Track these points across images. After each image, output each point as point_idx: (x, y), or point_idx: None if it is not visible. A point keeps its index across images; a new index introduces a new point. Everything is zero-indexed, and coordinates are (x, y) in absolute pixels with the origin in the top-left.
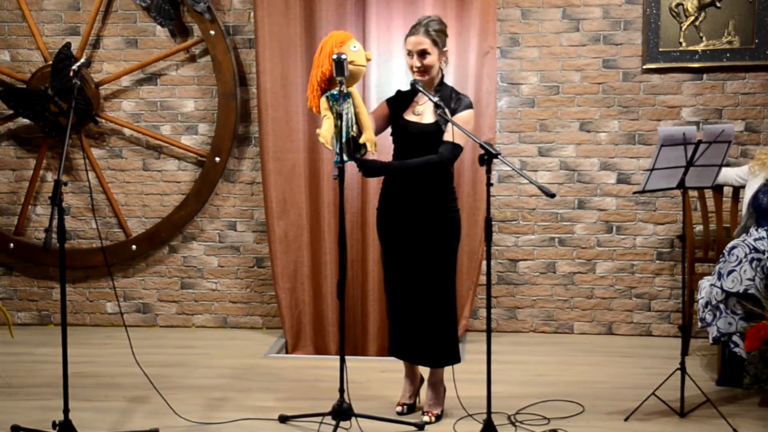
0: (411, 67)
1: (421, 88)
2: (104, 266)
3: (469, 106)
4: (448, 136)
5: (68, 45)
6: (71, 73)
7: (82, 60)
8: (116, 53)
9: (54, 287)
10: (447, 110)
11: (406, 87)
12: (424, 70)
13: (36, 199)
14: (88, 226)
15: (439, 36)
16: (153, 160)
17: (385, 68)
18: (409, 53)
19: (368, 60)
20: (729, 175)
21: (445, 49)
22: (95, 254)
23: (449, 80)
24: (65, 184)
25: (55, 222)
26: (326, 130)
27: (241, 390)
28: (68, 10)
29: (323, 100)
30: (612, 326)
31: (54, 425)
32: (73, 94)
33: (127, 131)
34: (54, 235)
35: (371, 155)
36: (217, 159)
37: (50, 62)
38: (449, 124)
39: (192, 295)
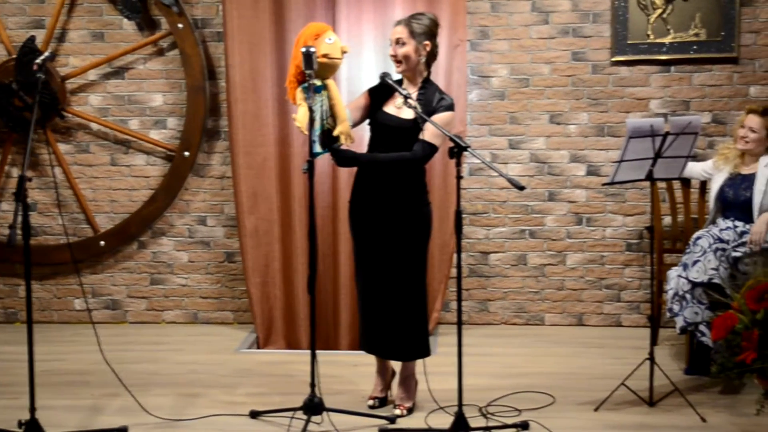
0: (391, 58)
1: (390, 81)
2: (72, 263)
3: (450, 107)
4: (424, 135)
5: (32, 38)
6: (35, 67)
7: (47, 53)
8: (82, 47)
9: (20, 284)
10: (414, 101)
11: (376, 81)
12: (399, 60)
13: (1, 195)
14: (55, 222)
15: (422, 29)
16: (121, 155)
17: (356, 62)
18: (390, 43)
19: (345, 53)
20: (695, 169)
21: (425, 43)
22: (62, 251)
23: None
24: (30, 179)
25: (20, 218)
26: (302, 115)
27: (211, 386)
28: (32, 3)
29: (299, 91)
30: (582, 317)
31: (20, 424)
32: (37, 88)
33: (94, 126)
34: (19, 232)
35: (346, 147)
36: (187, 153)
37: (14, 56)
38: (427, 123)
39: (162, 291)
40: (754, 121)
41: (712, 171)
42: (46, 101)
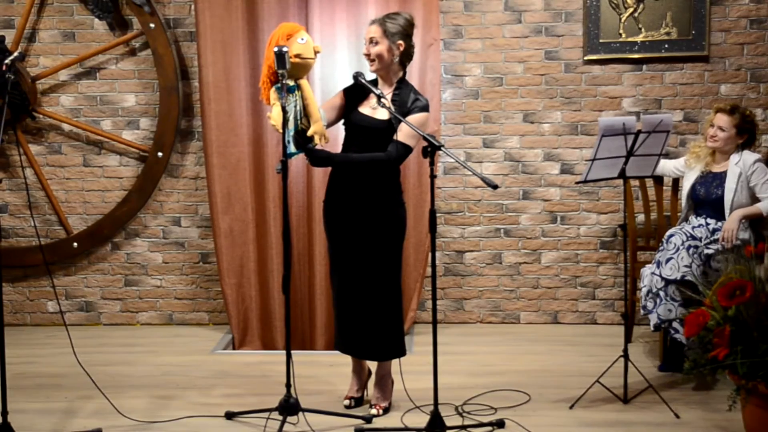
0: (365, 57)
1: (362, 81)
2: (44, 265)
3: (425, 108)
4: (398, 135)
5: (2, 38)
6: (4, 67)
7: (16, 53)
8: (53, 47)
9: None
10: (387, 101)
11: (349, 80)
12: (372, 59)
13: None
14: (27, 223)
15: (396, 29)
16: (94, 156)
17: (329, 61)
18: (365, 42)
19: (317, 52)
20: (667, 167)
21: (399, 42)
22: (35, 252)
23: None
24: (0, 181)
25: None
26: (276, 114)
27: (187, 387)
28: (1, 3)
29: (272, 91)
30: (558, 315)
31: None
32: (6, 88)
33: (66, 126)
34: None
35: (321, 147)
36: (160, 154)
37: None
38: (402, 123)
39: (136, 293)
40: (722, 119)
41: (684, 169)
42: (16, 102)
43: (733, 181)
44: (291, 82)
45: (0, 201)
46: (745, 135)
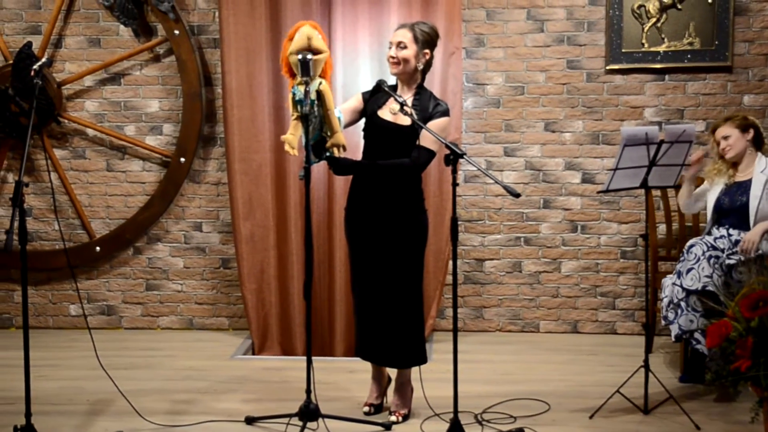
0: (389, 59)
1: (386, 88)
2: (67, 268)
3: (445, 113)
4: (421, 141)
5: (29, 44)
6: (32, 73)
7: (44, 59)
8: (79, 53)
9: (16, 290)
10: (410, 108)
11: (371, 87)
12: (398, 62)
13: None
14: (51, 227)
15: (424, 37)
16: (117, 161)
17: (351, 68)
18: (390, 45)
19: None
20: (699, 204)
21: (425, 50)
22: (58, 256)
23: None
24: (26, 185)
25: (16, 223)
26: (291, 138)
27: (207, 392)
28: (29, 9)
29: (290, 98)
30: (577, 325)
31: (15, 430)
32: (34, 93)
33: (90, 131)
34: (15, 237)
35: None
36: (182, 159)
37: (11, 62)
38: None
39: (157, 297)
40: (723, 130)
41: (708, 186)
42: (42, 107)
43: (759, 188)
44: (313, 95)
45: (25, 205)
46: (750, 130)
